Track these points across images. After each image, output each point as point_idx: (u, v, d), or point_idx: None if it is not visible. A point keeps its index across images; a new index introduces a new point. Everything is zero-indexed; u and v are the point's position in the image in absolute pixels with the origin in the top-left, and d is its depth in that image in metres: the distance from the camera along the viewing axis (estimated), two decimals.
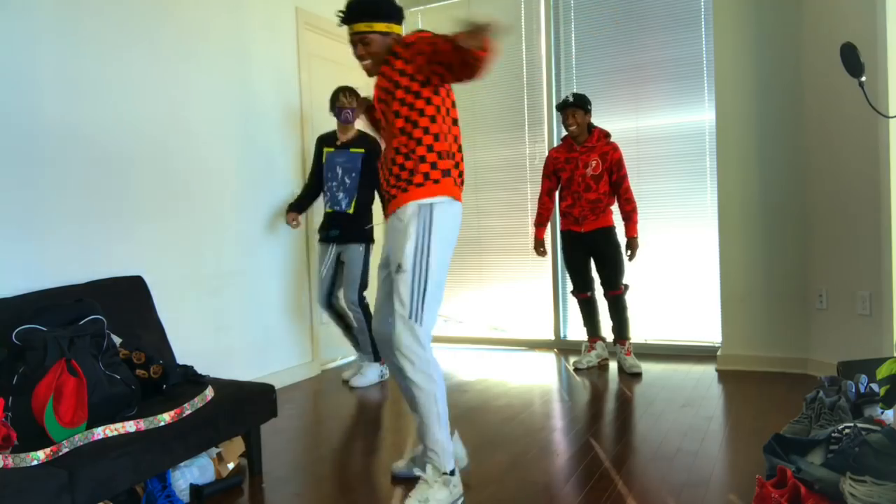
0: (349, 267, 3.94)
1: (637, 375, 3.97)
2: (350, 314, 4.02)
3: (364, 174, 3.91)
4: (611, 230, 4.09)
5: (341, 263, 4.00)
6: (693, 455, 2.65)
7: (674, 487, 2.35)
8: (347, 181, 3.89)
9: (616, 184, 4.04)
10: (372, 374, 4.03)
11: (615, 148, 4.04)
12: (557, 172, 4.16)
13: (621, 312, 4.12)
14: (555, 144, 4.84)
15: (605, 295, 4.13)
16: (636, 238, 4.04)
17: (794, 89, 3.84)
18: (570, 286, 4.41)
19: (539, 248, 4.24)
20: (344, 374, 4.18)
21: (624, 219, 4.06)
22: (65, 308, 2.28)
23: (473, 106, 5.11)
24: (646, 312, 4.60)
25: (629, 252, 4.06)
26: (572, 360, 4.40)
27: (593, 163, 4.01)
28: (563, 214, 4.18)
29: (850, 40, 2.66)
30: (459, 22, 1.98)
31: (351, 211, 3.90)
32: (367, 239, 3.98)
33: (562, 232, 4.22)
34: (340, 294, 4.06)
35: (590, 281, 4.21)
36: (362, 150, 3.93)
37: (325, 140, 4.00)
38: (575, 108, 4.01)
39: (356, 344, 4.09)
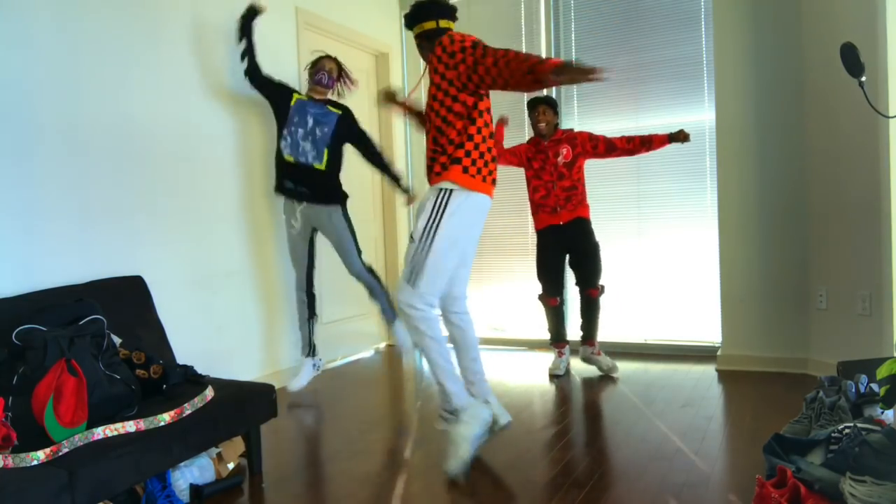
0: (338, 237, 3.70)
1: (614, 378, 3.92)
2: (363, 283, 3.83)
3: (337, 136, 3.66)
4: (587, 223, 4.01)
5: (313, 238, 3.77)
6: (693, 455, 2.65)
7: (674, 487, 2.35)
8: (318, 133, 3.61)
9: (610, 147, 3.93)
10: (306, 372, 3.78)
11: (580, 133, 3.98)
12: (526, 160, 4.06)
13: (595, 313, 4.05)
14: None
15: (582, 293, 4.04)
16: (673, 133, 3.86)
17: (794, 89, 3.84)
18: (534, 292, 4.24)
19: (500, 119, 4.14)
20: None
21: (645, 143, 3.88)
22: (65, 308, 2.29)
23: None
24: (646, 312, 4.60)
25: (681, 136, 3.82)
26: (548, 366, 4.19)
27: (564, 150, 3.95)
28: (538, 208, 4.04)
29: (850, 40, 2.66)
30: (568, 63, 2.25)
31: (322, 167, 3.61)
32: (343, 198, 3.72)
33: (539, 231, 4.09)
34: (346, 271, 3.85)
35: (562, 285, 4.11)
36: (339, 112, 3.72)
37: (293, 88, 3.70)
38: (546, 105, 3.96)
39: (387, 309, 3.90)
